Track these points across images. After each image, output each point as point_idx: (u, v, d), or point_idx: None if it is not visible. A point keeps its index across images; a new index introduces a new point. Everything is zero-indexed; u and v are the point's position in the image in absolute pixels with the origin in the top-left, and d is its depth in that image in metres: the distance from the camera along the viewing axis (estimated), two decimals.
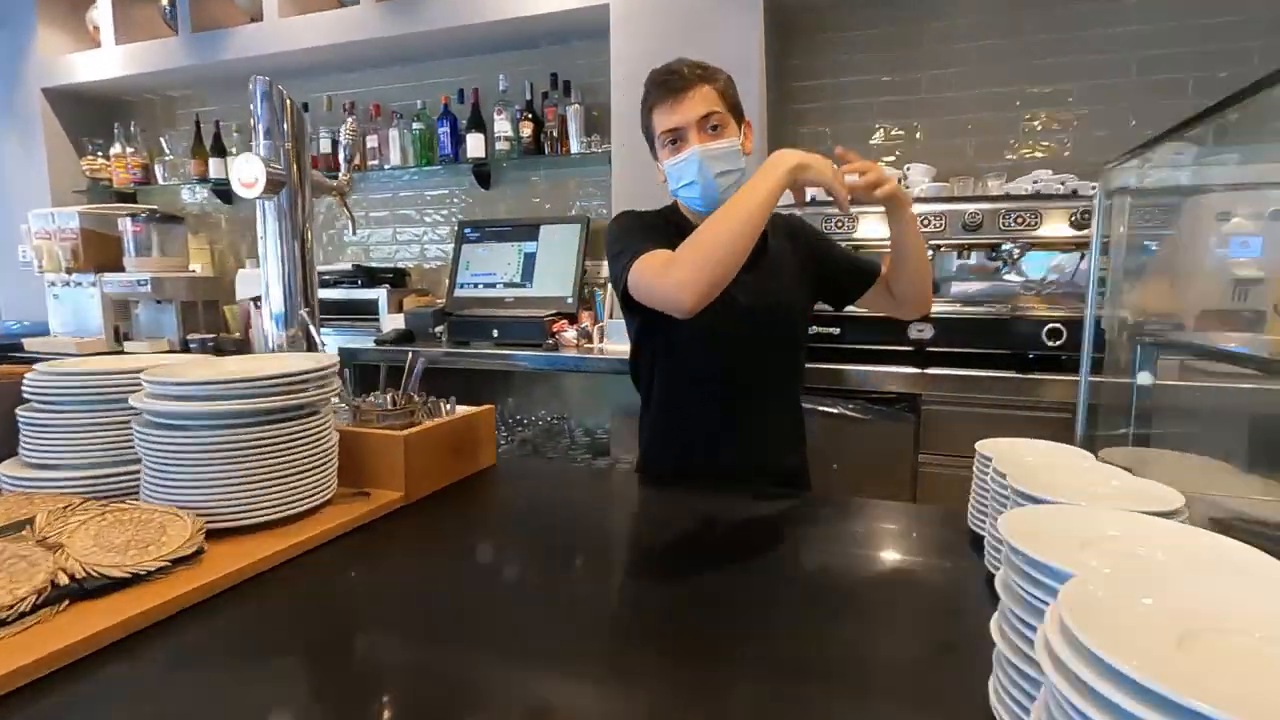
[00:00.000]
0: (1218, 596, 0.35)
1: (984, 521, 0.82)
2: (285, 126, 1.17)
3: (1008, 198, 2.01)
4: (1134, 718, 0.28)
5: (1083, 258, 2.08)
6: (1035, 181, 2.05)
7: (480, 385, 2.92)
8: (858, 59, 2.50)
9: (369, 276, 2.99)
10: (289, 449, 0.84)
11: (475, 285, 2.83)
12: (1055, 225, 1.93)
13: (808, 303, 1.37)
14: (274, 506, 0.83)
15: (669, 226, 1.27)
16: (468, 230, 2.90)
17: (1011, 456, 0.75)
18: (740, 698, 0.57)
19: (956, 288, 2.20)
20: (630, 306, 1.23)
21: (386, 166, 2.96)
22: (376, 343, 2.59)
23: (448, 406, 1.20)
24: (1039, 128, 2.32)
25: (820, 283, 1.37)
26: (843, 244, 1.43)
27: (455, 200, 3.10)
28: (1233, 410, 0.79)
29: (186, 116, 3.47)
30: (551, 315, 2.52)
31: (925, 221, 2.02)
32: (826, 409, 2.03)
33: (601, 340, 2.49)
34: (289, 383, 0.83)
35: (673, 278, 1.07)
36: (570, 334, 2.49)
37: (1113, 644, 0.30)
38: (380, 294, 2.90)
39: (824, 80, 2.56)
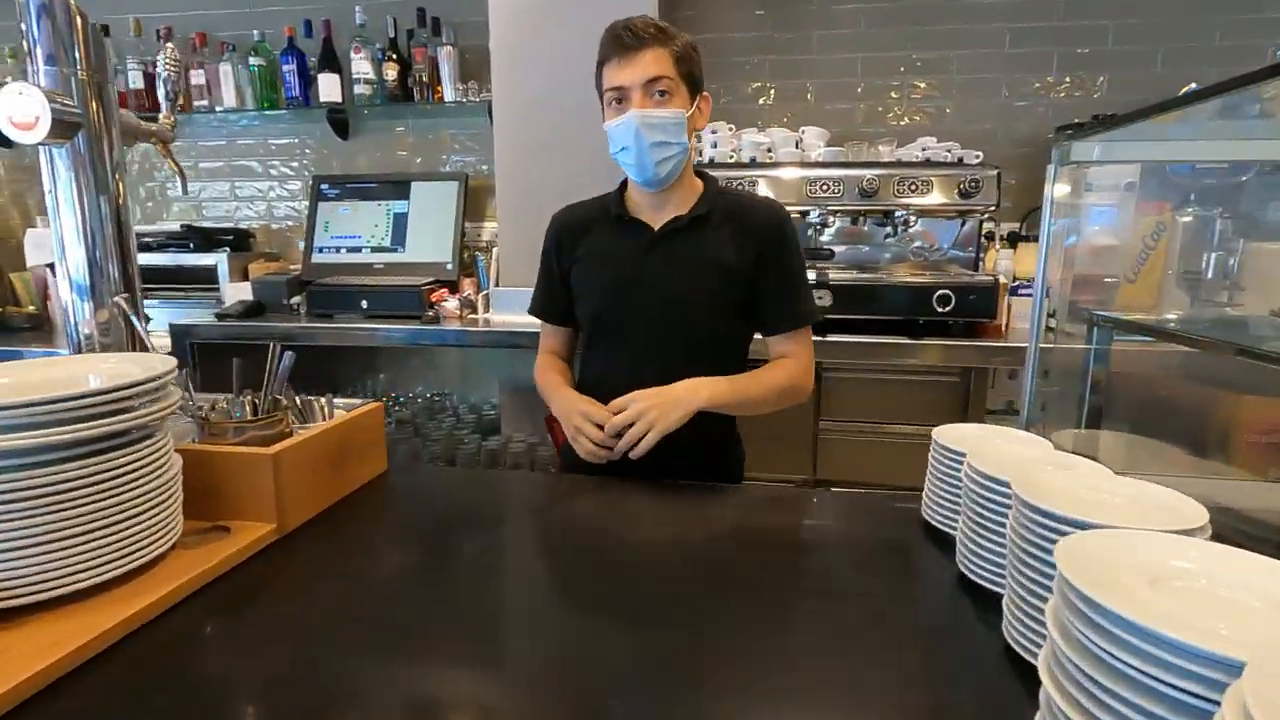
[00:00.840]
0: None
1: (950, 518, 0.77)
2: (78, 51, 0.88)
3: (900, 164, 2.03)
4: None
5: (964, 224, 2.16)
6: (924, 149, 2.08)
7: (347, 362, 2.62)
8: (749, 15, 2.41)
9: (204, 239, 2.57)
10: (111, 490, 0.63)
11: (336, 249, 2.50)
12: (944, 193, 1.97)
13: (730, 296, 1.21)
14: (92, 568, 0.62)
15: (593, 228, 1.23)
16: (324, 186, 2.55)
17: (986, 451, 0.70)
18: None
19: (851, 253, 2.22)
20: None
21: (219, 109, 2.52)
22: (218, 317, 2.22)
23: (323, 405, 1.00)
24: (923, 95, 2.37)
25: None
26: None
27: (307, 151, 2.71)
28: (1167, 389, 0.81)
29: None
30: (429, 283, 2.28)
31: (824, 186, 2.00)
32: None
33: (487, 310, 2.29)
34: (107, 403, 0.62)
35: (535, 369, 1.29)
36: (452, 304, 2.26)
37: None
38: (219, 259, 2.50)
39: (714, 34, 2.45)
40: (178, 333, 2.19)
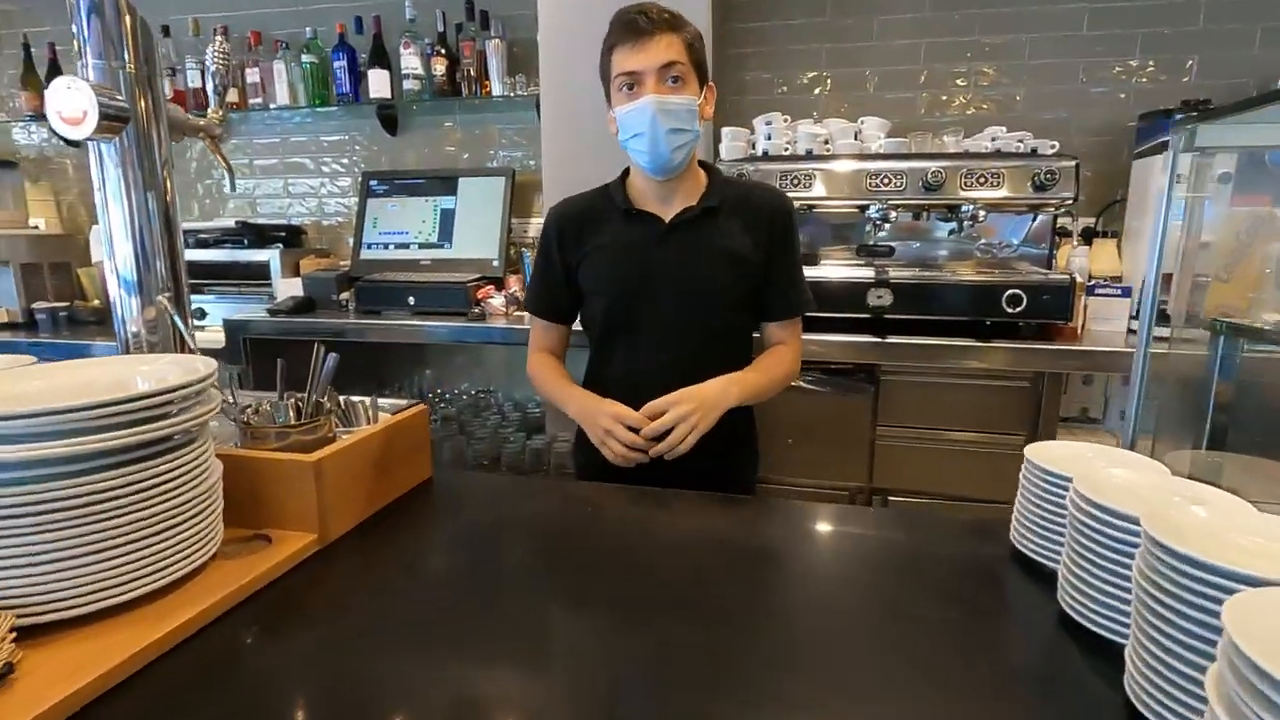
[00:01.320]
0: None
1: (1044, 548, 0.69)
2: (127, 46, 0.86)
3: (967, 155, 1.91)
4: None
5: (1035, 219, 2.03)
6: (993, 139, 1.96)
7: (394, 358, 2.63)
8: (807, 1, 2.31)
9: (257, 235, 2.60)
10: (148, 500, 0.60)
11: (385, 246, 2.50)
12: (1015, 186, 1.85)
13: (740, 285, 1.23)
14: (127, 583, 0.59)
15: (598, 220, 1.21)
16: (373, 183, 2.55)
17: (1096, 480, 0.62)
18: None
19: (914, 251, 2.11)
20: None
21: (272, 106, 2.55)
22: (270, 313, 2.25)
23: (367, 407, 0.96)
24: (986, 83, 2.23)
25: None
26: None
27: (357, 147, 2.73)
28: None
29: (13, 38, 2.87)
30: (476, 280, 2.26)
31: (885, 180, 1.90)
32: None
33: None
34: (144, 409, 0.59)
35: (528, 368, 1.29)
36: (498, 300, 2.23)
37: None
38: (272, 255, 2.53)
39: (770, 22, 2.36)
40: (232, 328, 2.21)
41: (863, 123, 2.09)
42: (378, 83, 2.43)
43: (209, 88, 1.04)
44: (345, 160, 2.75)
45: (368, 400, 0.97)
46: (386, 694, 0.54)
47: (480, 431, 2.41)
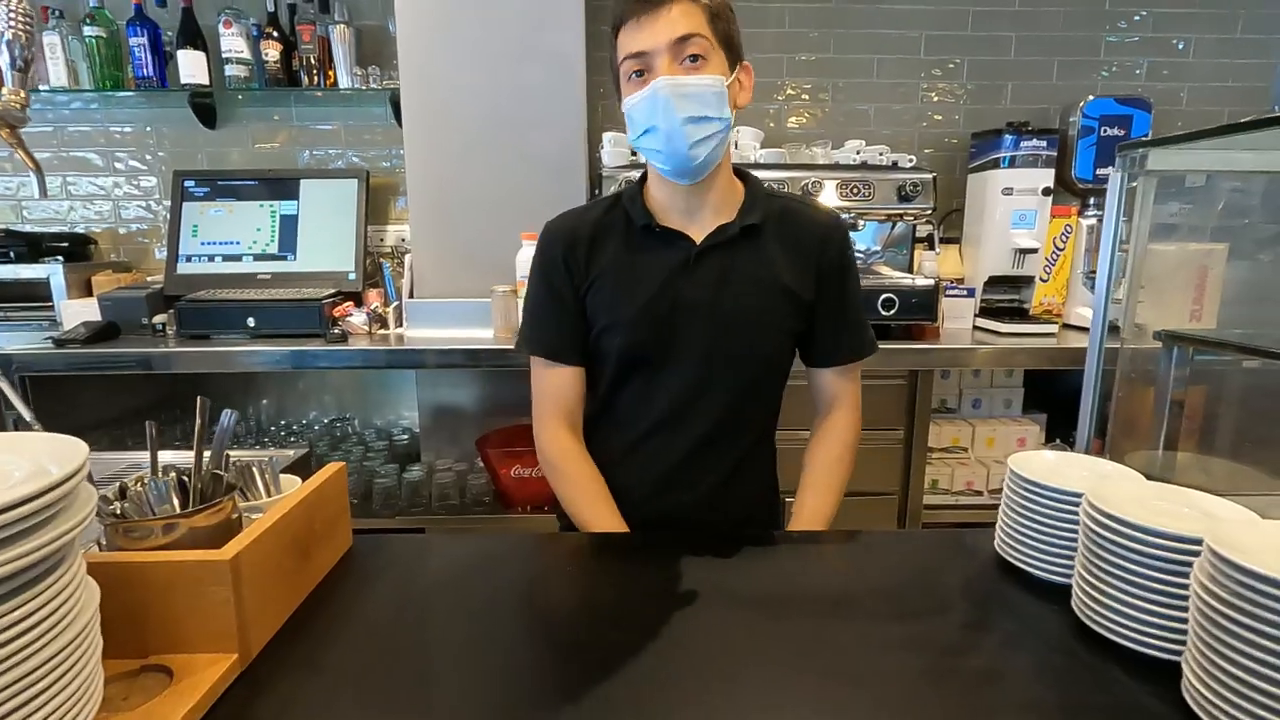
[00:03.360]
0: None
1: (1064, 564, 0.70)
2: None
3: (839, 166, 2.01)
4: None
5: (894, 227, 2.19)
6: (858, 152, 2.08)
7: (219, 390, 2.25)
8: None
9: (29, 246, 2.10)
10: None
11: (209, 258, 2.13)
12: (884, 196, 1.97)
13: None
14: None
15: (612, 239, 0.99)
16: (190, 183, 2.16)
17: (1104, 494, 0.63)
18: None
19: None
20: None
21: (43, 88, 2.07)
22: (56, 343, 1.81)
23: (264, 470, 0.77)
24: (846, 99, 2.37)
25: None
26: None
27: (163, 141, 2.30)
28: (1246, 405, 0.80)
29: None
30: (331, 296, 1.99)
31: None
32: None
33: (400, 324, 2.04)
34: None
35: (538, 445, 1.05)
36: (358, 319, 1.98)
37: None
38: (53, 271, 2.06)
39: None
40: (1, 363, 1.76)
41: (738, 131, 2.12)
42: (191, 65, 2.06)
43: (3, 60, 0.78)
44: (148, 156, 2.30)
45: (264, 459, 0.77)
46: None
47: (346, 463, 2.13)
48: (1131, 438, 0.91)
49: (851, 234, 2.02)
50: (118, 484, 0.64)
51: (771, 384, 1.05)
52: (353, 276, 2.11)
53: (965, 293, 2.14)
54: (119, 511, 0.60)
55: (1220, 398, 0.84)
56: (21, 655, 0.42)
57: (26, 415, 0.68)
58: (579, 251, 0.99)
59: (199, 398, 0.68)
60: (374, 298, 2.09)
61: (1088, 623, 0.63)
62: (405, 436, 2.30)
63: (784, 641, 0.65)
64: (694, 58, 0.88)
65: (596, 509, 0.98)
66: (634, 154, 2.05)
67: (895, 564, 0.82)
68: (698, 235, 0.98)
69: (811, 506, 1.03)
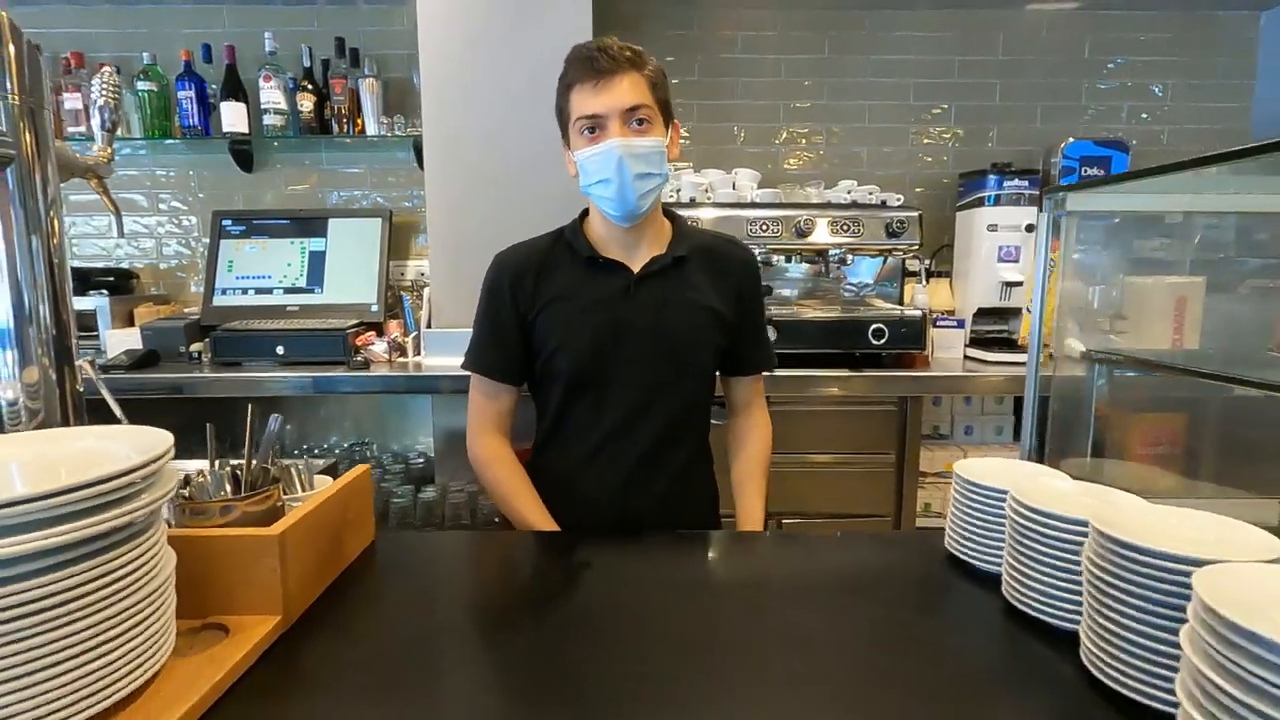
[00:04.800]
0: None
1: (979, 551, 0.79)
2: (9, 70, 0.76)
3: (830, 205, 2.14)
4: None
5: (885, 261, 2.30)
6: (849, 191, 2.20)
7: (243, 415, 2.38)
8: (681, 59, 2.48)
9: (78, 280, 2.27)
10: (99, 603, 0.52)
11: (243, 291, 2.29)
12: (873, 233, 2.09)
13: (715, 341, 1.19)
14: (73, 704, 0.50)
15: (557, 269, 1.13)
16: (227, 223, 2.33)
17: (1031, 489, 0.73)
18: None
19: (790, 291, 2.29)
20: None
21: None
22: (103, 369, 1.96)
23: (300, 472, 0.89)
24: (840, 141, 2.52)
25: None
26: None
27: (204, 184, 2.48)
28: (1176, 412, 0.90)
29: None
30: (354, 326, 2.13)
31: (763, 226, 2.07)
32: None
33: (418, 353, 2.17)
34: (97, 496, 0.51)
35: (471, 451, 1.17)
36: (379, 347, 2.12)
37: None
38: (99, 303, 2.22)
39: None
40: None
41: (736, 173, 2.27)
42: (232, 116, 2.25)
43: (94, 121, 0.92)
44: (189, 198, 2.49)
45: (301, 464, 0.89)
46: None
47: None
48: (1068, 445, 1.01)
49: (843, 268, 2.15)
50: (182, 474, 0.75)
51: (705, 395, 1.19)
52: (375, 308, 2.26)
53: (955, 324, 2.24)
54: (188, 494, 0.72)
55: (1144, 409, 0.94)
56: (123, 594, 0.53)
57: (117, 412, 0.80)
58: (526, 281, 1.12)
59: (249, 405, 0.80)
60: (394, 328, 2.23)
61: (1013, 603, 0.73)
62: (421, 460, 2.41)
63: (768, 629, 0.75)
64: (641, 121, 1.04)
65: (527, 506, 1.11)
66: (675, 191, 2.19)
67: (861, 559, 0.92)
68: (635, 265, 1.12)
69: (752, 505, 1.19)
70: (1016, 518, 0.71)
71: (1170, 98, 2.48)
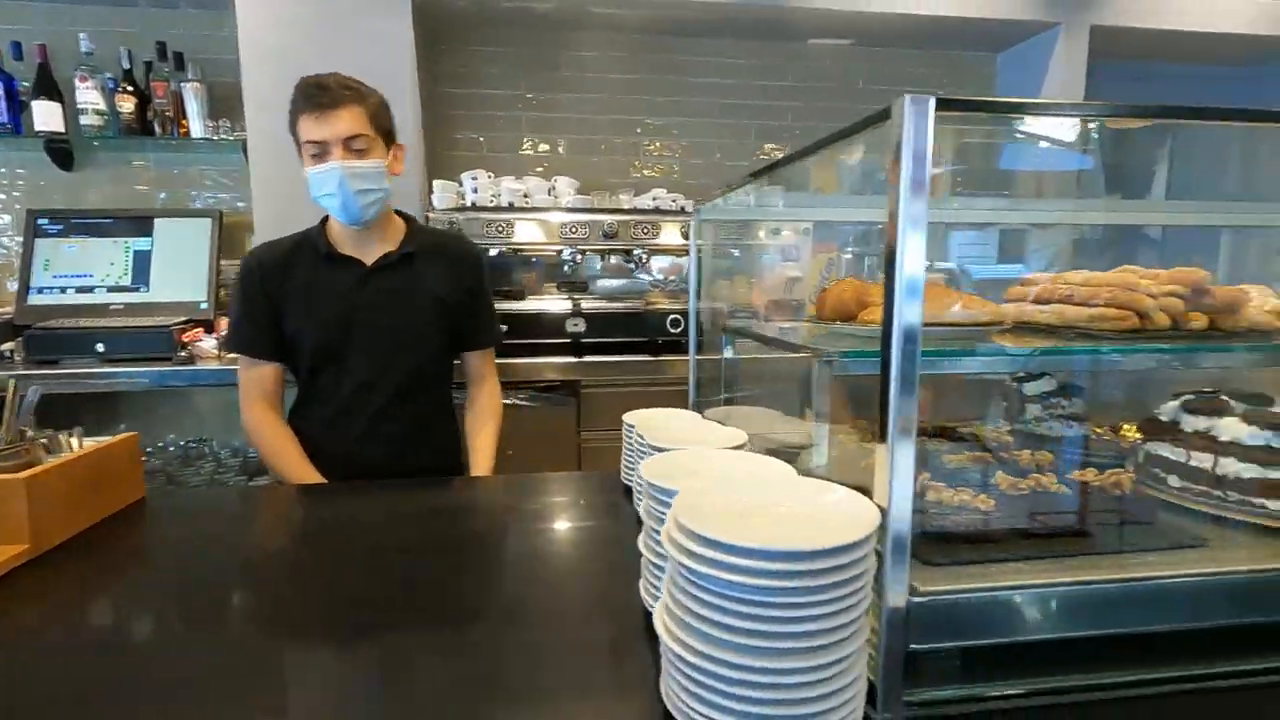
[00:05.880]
0: (761, 490, 0.59)
1: (632, 474, 1.05)
2: None
3: (635, 211, 2.41)
4: (709, 559, 0.48)
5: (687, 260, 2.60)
6: (654, 198, 2.49)
7: (76, 413, 2.37)
8: (507, 74, 2.69)
9: None
10: None
11: (61, 290, 2.28)
12: (671, 235, 2.38)
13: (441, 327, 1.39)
14: None
15: (300, 265, 1.31)
16: (43, 221, 2.32)
17: (648, 422, 0.99)
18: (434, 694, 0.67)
19: (601, 286, 2.55)
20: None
21: None
22: None
23: (72, 439, 1.03)
24: (655, 153, 2.81)
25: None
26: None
27: (18, 182, 2.44)
28: (778, 375, 1.18)
29: None
30: (180, 323, 2.19)
31: (573, 230, 2.31)
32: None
33: None
34: None
35: (243, 420, 1.33)
36: (208, 343, 2.18)
37: (700, 520, 0.50)
38: None
39: (476, 90, 2.69)
40: None
41: (556, 181, 2.50)
42: (46, 115, 2.24)
43: None
44: (2, 196, 2.44)
45: (73, 433, 1.03)
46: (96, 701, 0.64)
47: (194, 480, 2.31)
48: (715, 394, 1.31)
49: (644, 265, 2.43)
50: None
51: (436, 369, 1.40)
52: (204, 305, 2.32)
53: (748, 315, 2.56)
54: None
55: (757, 367, 1.26)
56: None
57: None
58: (273, 274, 1.30)
59: (10, 380, 0.93)
60: (225, 325, 2.30)
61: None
62: (255, 453, 2.48)
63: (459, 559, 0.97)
64: (359, 149, 1.24)
65: (295, 465, 1.29)
66: (461, 198, 2.38)
67: (554, 493, 1.16)
68: (368, 260, 1.33)
69: (480, 454, 1.41)
70: (638, 445, 0.96)
71: None
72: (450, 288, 1.37)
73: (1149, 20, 2.60)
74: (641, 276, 2.50)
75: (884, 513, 0.53)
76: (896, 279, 0.52)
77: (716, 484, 0.61)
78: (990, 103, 0.60)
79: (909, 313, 0.52)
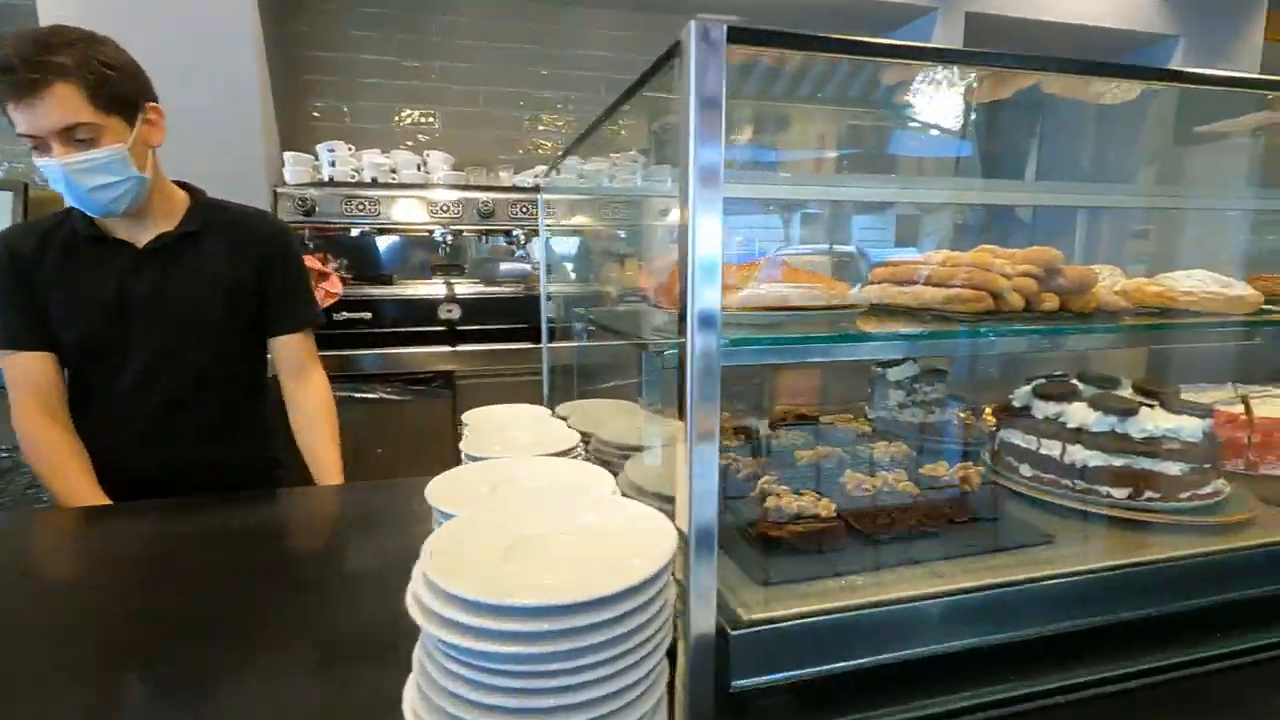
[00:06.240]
0: (545, 515, 0.49)
1: None
2: None
3: (515, 189, 2.26)
4: (453, 623, 0.37)
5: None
6: (536, 175, 2.34)
7: None
8: (373, 37, 2.46)
9: None
10: None
11: None
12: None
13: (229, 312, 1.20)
14: None
15: (60, 248, 1.10)
16: None
17: (483, 423, 0.87)
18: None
19: (479, 270, 2.39)
20: None
21: None
22: None
23: None
24: (542, 128, 2.66)
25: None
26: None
27: None
28: (630, 365, 1.09)
29: None
30: None
31: (444, 208, 2.14)
32: (364, 395, 2.00)
33: None
34: None
35: (16, 426, 1.08)
36: None
37: (446, 571, 0.39)
38: None
39: (340, 54, 2.44)
40: None
41: (428, 155, 2.31)
42: None
43: None
44: None
45: None
46: None
47: (2, 499, 1.99)
48: (571, 387, 1.22)
49: (518, 248, 2.29)
50: None
51: (234, 359, 1.20)
52: None
53: (639, 298, 2.48)
54: None
55: (617, 356, 1.17)
56: None
57: None
58: (29, 260, 1.09)
59: None
60: None
61: None
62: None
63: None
64: (83, 140, 0.98)
65: (73, 482, 1.08)
66: (317, 171, 2.16)
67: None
68: (140, 242, 1.12)
69: (324, 466, 1.21)
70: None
71: None
72: (242, 268, 1.18)
73: (1024, 9, 2.67)
74: (523, 260, 2.36)
75: (683, 536, 0.44)
76: (689, 255, 0.43)
77: (491, 513, 0.49)
78: (788, 35, 0.52)
79: (707, 295, 0.43)
